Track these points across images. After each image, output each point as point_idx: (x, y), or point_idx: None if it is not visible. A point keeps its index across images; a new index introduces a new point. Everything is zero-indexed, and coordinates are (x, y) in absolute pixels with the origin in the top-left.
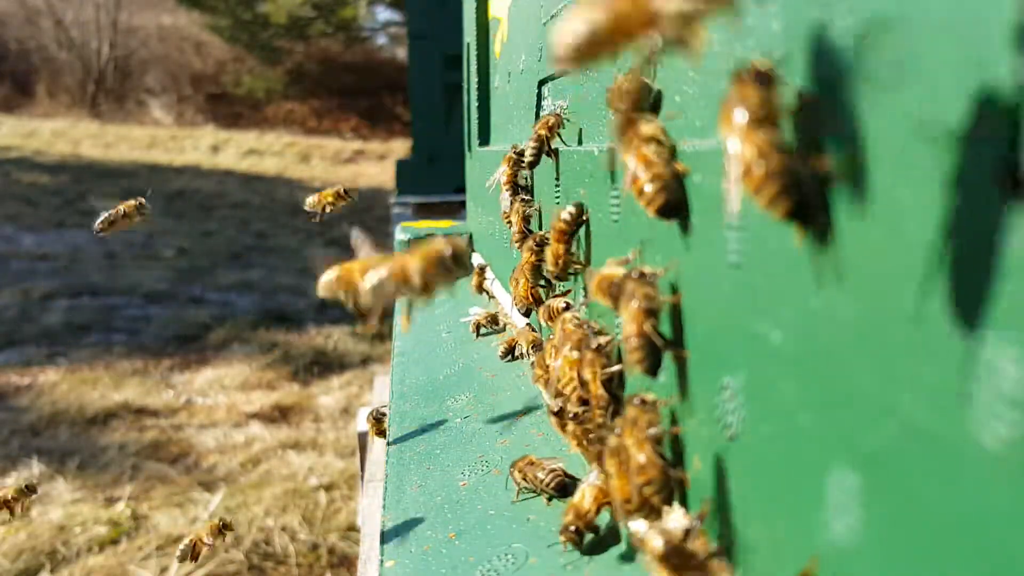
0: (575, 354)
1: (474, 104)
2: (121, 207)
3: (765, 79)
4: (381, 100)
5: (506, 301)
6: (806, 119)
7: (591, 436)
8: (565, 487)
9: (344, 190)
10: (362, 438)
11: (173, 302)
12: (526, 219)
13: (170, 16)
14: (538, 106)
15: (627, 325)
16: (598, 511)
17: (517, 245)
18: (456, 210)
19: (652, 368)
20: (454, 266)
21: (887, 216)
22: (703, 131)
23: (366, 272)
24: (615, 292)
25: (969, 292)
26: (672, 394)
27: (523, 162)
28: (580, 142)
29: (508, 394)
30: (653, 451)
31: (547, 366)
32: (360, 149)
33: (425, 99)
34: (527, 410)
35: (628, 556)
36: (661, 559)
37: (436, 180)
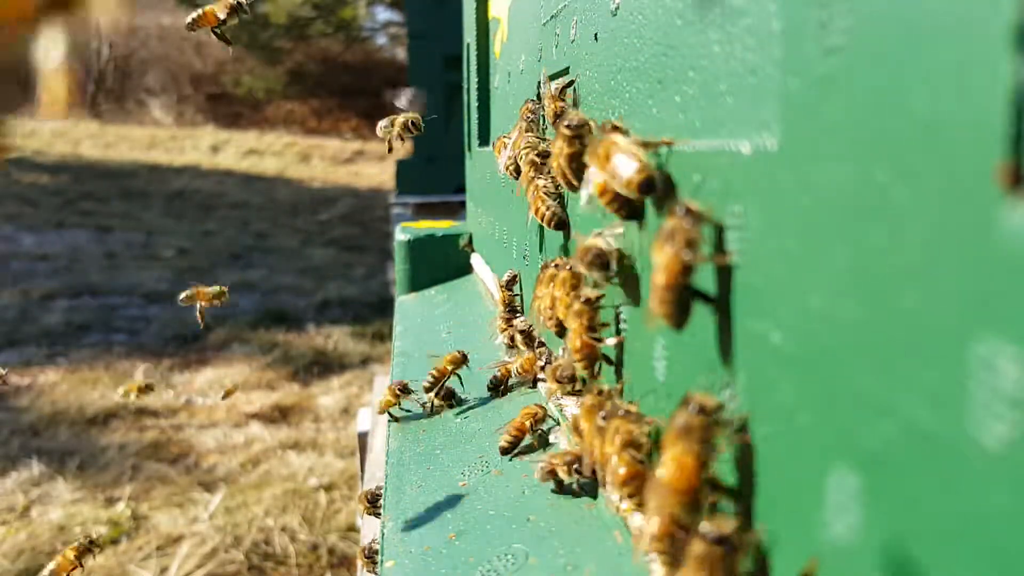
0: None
1: (474, 104)
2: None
3: None
4: (381, 100)
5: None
6: None
7: None
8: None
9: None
10: (362, 438)
11: (173, 302)
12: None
13: (170, 16)
14: None
15: (657, 274)
16: None
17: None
18: (456, 210)
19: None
20: None
21: (887, 216)
22: (703, 131)
23: None
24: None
25: (969, 292)
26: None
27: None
28: None
29: (508, 394)
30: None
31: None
32: (360, 149)
33: (425, 99)
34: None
35: (628, 555)
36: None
37: (436, 180)
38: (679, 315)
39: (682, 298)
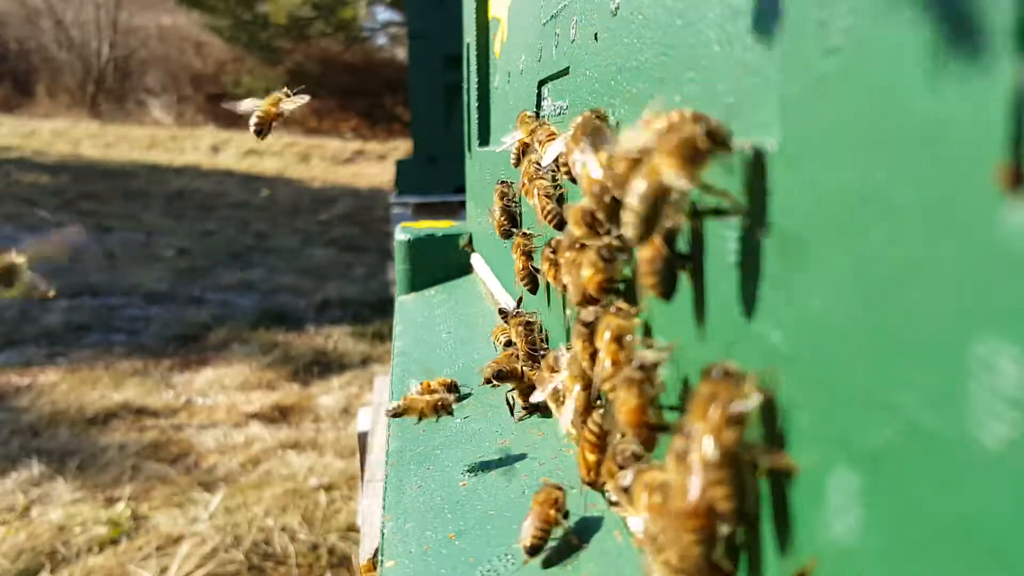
0: None
1: (474, 104)
2: None
3: None
4: (381, 100)
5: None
6: None
7: None
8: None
9: None
10: (362, 438)
11: (173, 302)
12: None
13: (170, 16)
14: (538, 106)
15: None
16: None
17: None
18: (456, 210)
19: (667, 291)
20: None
21: (887, 216)
22: None
23: None
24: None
25: (969, 292)
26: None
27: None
28: None
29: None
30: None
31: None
32: (360, 149)
33: (425, 99)
34: (527, 410)
35: (628, 556)
36: None
37: (436, 180)
38: (665, 285)
39: (667, 267)
